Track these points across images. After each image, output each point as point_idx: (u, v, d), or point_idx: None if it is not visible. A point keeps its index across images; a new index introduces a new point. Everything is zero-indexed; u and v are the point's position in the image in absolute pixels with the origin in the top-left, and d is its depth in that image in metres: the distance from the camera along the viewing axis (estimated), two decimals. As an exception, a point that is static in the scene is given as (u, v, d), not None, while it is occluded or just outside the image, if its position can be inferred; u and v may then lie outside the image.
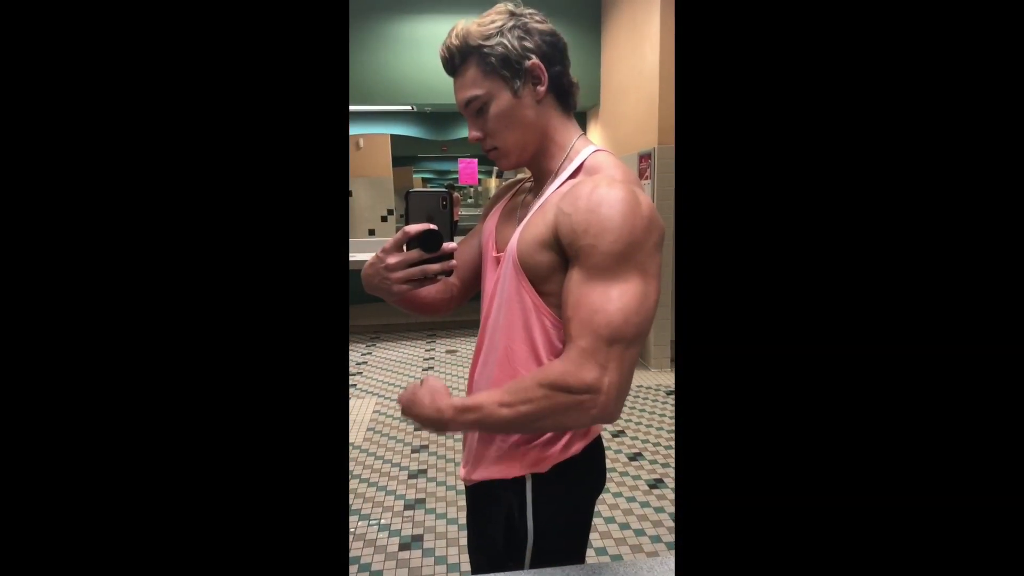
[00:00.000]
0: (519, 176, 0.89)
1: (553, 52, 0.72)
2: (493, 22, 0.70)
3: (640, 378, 3.41)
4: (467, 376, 0.85)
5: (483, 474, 0.78)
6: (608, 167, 0.70)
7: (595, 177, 0.69)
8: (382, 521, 1.99)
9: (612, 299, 0.63)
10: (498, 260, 0.77)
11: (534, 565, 0.76)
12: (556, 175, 0.74)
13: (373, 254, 0.75)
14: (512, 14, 0.71)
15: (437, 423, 0.68)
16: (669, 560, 0.72)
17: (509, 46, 0.69)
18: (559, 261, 0.68)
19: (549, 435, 0.75)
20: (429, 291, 0.88)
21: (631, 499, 2.10)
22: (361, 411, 3.01)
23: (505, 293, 0.74)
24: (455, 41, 0.71)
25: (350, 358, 4.00)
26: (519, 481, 0.76)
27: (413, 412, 0.70)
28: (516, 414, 0.65)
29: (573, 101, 0.77)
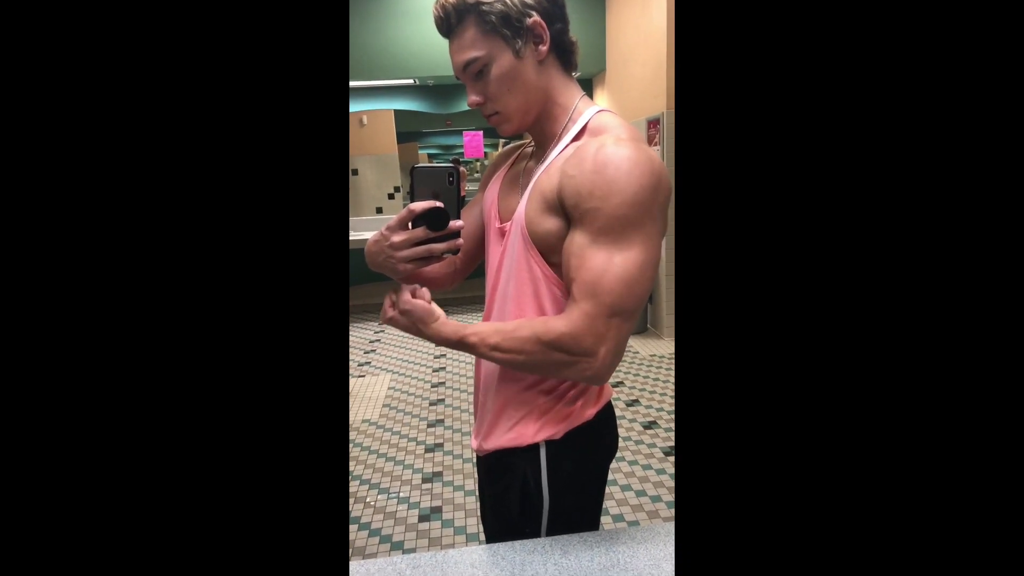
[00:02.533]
0: (517, 142, 0.86)
1: (553, 8, 0.69)
2: None
3: (653, 347, 3.40)
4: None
5: (496, 443, 0.78)
6: (613, 127, 0.68)
7: (601, 137, 0.66)
8: (401, 494, 2.03)
9: (616, 265, 0.63)
10: (502, 231, 0.75)
11: (551, 532, 0.77)
12: (559, 138, 0.72)
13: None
14: None
15: (427, 321, 0.71)
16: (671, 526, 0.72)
17: (509, 3, 0.66)
18: (565, 227, 0.67)
19: (561, 403, 0.74)
20: (432, 267, 0.86)
21: (647, 467, 2.12)
22: (376, 388, 3.04)
23: (513, 264, 0.72)
24: (451, -1, 0.68)
25: (363, 336, 4.03)
26: (533, 449, 0.76)
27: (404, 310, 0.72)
28: (507, 359, 0.68)
29: (574, 61, 0.74)
